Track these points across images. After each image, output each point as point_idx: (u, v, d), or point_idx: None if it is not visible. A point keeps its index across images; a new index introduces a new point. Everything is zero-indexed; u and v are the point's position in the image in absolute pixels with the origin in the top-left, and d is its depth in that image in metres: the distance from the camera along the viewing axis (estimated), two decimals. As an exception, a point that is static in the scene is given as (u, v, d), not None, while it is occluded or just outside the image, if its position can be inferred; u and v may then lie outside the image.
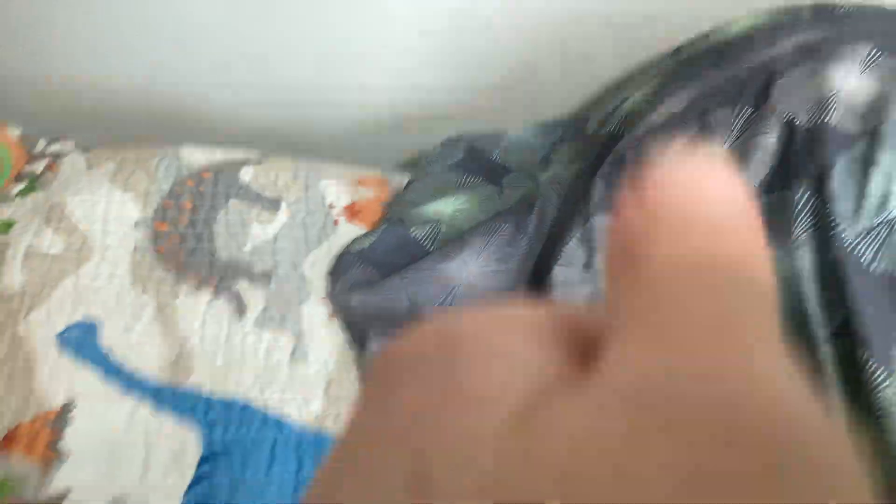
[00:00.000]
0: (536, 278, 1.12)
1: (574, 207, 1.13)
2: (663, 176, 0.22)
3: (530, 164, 1.35)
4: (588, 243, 1.08)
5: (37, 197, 1.26)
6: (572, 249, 1.08)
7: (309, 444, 0.99)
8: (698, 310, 0.17)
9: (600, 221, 1.08)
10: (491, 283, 1.14)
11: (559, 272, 1.07)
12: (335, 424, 1.02)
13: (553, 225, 1.16)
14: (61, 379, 1.00)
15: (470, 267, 1.15)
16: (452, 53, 1.45)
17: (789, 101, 0.99)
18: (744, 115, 1.02)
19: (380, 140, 1.60)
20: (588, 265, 1.07)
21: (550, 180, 1.25)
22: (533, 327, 0.19)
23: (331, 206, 1.33)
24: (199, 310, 1.13)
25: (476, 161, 1.37)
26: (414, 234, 1.24)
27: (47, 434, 0.94)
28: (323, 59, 1.45)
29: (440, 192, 1.31)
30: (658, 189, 0.21)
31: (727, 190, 0.20)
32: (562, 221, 1.14)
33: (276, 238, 1.26)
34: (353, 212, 1.34)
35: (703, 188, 0.21)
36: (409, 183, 1.36)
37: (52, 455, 0.92)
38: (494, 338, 0.19)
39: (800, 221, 0.91)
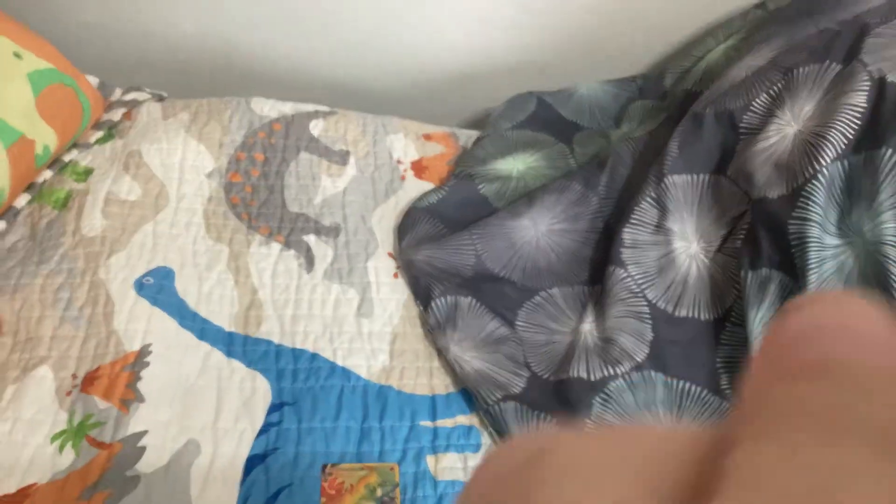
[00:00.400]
0: (606, 238, 1.10)
1: (647, 167, 1.10)
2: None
3: (602, 122, 1.32)
4: (661, 203, 1.05)
5: (115, 145, 1.29)
6: (644, 210, 1.06)
7: (374, 396, 1.00)
8: None
9: (674, 181, 1.05)
10: (560, 242, 1.13)
11: (629, 233, 1.05)
12: (400, 379, 1.03)
13: (625, 184, 1.14)
14: (139, 324, 1.04)
15: (539, 226, 1.14)
16: (521, 9, 1.41)
17: (881, 58, 0.94)
18: (832, 71, 0.97)
19: (447, 97, 1.59)
20: (659, 226, 1.05)
21: (623, 139, 1.22)
22: (646, 467, 0.16)
23: (398, 162, 1.33)
24: (269, 261, 1.15)
25: (546, 118, 1.35)
26: (482, 190, 1.23)
27: (126, 377, 0.98)
28: (392, 13, 1.44)
29: (509, 150, 1.29)
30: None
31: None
32: (634, 181, 1.12)
33: (344, 192, 1.27)
34: (420, 167, 1.34)
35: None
36: (478, 139, 1.34)
37: (130, 396, 0.95)
38: (591, 477, 0.16)
39: (886, 183, 0.87)
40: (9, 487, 0.87)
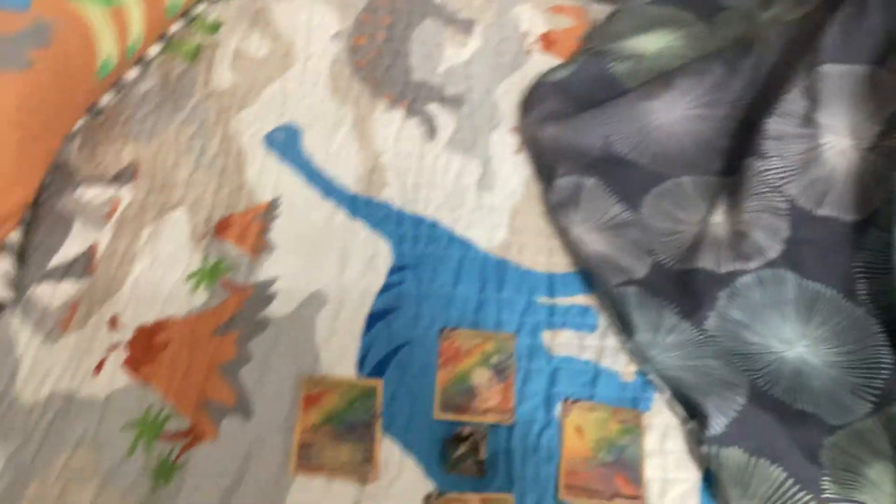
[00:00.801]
0: (745, 128, 1.05)
1: (799, 54, 1.02)
2: None
3: (748, 3, 1.23)
4: (811, 94, 0.98)
5: (243, 0, 1.29)
6: (792, 100, 0.99)
7: (493, 268, 1.01)
8: None
9: (828, 70, 0.98)
10: (694, 129, 1.08)
11: (774, 124, 1.00)
12: (519, 254, 1.03)
13: (772, 72, 1.06)
14: (268, 177, 1.06)
15: (674, 109, 1.09)
16: None
17: None
18: None
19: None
20: (808, 118, 0.99)
21: (772, 22, 1.13)
22: None
23: (525, 34, 1.29)
24: (393, 127, 1.15)
25: (688, -6, 1.26)
26: (613, 68, 1.18)
27: (257, 225, 1.01)
28: None
29: (645, 27, 1.22)
30: None
31: None
32: (783, 68, 1.04)
33: (469, 62, 1.24)
34: (548, 41, 1.29)
35: None
36: (611, 14, 1.28)
37: (261, 244, 0.99)
38: None
39: None
40: (148, 318, 0.93)
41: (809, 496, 0.79)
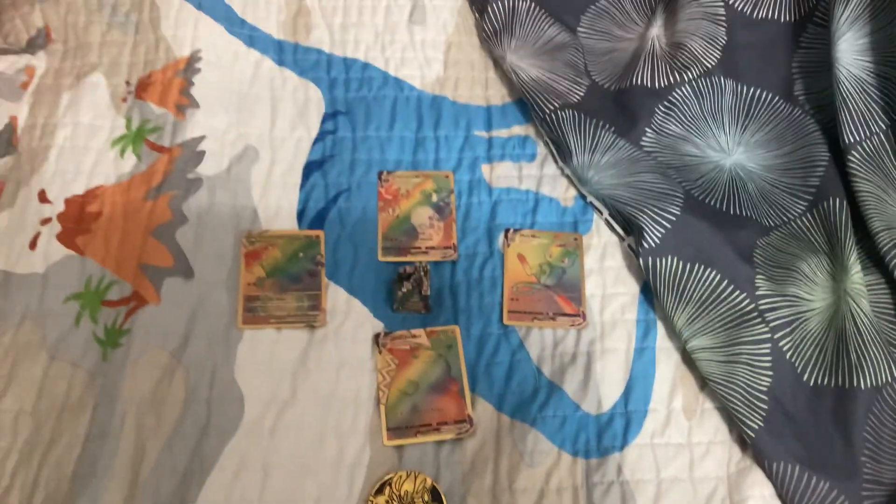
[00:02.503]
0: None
1: None
2: None
3: None
4: None
5: None
6: None
7: (429, 105, 0.98)
8: None
9: None
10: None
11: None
12: (455, 90, 0.99)
13: None
14: (186, 29, 1.00)
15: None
16: None
17: None
18: None
19: None
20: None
21: None
22: None
23: None
24: (314, -35, 1.08)
25: None
26: None
27: (178, 83, 0.96)
28: None
29: None
30: None
31: None
32: None
33: None
34: None
35: None
36: None
37: (184, 102, 0.95)
38: None
39: None
40: (77, 189, 0.91)
41: (743, 294, 0.80)
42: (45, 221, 0.89)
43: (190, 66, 0.98)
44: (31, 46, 1.01)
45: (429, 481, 0.75)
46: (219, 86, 0.97)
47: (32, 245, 0.87)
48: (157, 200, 0.89)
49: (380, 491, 0.74)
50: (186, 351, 0.81)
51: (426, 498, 0.74)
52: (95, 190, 0.91)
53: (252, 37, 1.01)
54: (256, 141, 0.94)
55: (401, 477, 0.75)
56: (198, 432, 0.77)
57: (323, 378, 0.81)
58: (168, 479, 0.75)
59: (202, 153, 0.92)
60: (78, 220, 0.89)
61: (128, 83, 0.97)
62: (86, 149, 0.93)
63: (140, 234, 0.88)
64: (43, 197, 0.90)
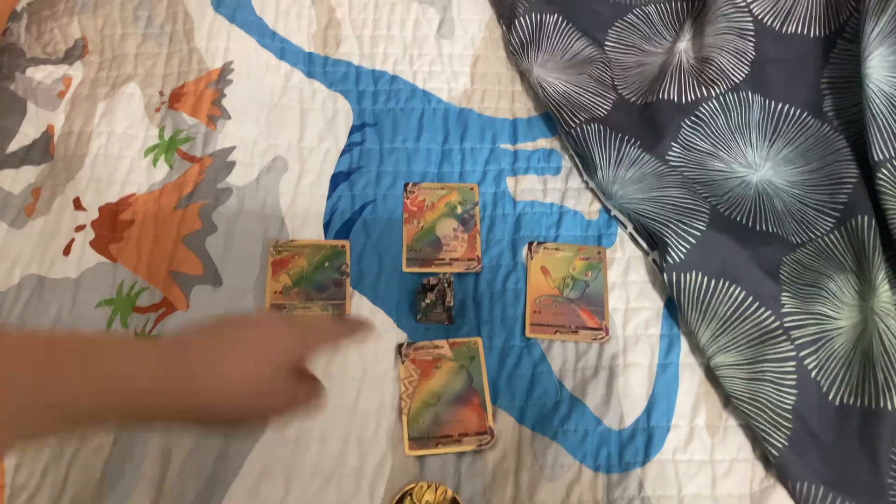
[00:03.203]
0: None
1: None
2: None
3: None
4: None
5: None
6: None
7: (455, 118, 0.99)
8: None
9: None
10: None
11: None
12: (481, 103, 1.00)
13: None
14: (219, 41, 1.02)
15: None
16: None
17: None
18: None
19: None
20: (776, -69, 0.93)
21: None
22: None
23: None
24: (345, -21, 1.09)
25: None
26: None
27: (210, 94, 0.98)
28: None
29: None
30: None
31: None
32: None
33: None
34: None
35: None
36: None
37: (216, 113, 0.97)
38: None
39: None
40: (111, 197, 0.93)
41: (768, 312, 0.80)
42: (80, 228, 0.91)
43: (222, 77, 0.99)
44: (69, 57, 1.04)
45: (450, 493, 0.75)
46: (250, 97, 0.99)
47: (66, 251, 0.89)
48: (187, 209, 0.91)
49: (400, 501, 0.75)
50: (213, 357, 0.83)
51: (446, 509, 0.75)
52: (128, 198, 0.93)
53: (283, 49, 1.03)
54: (285, 152, 0.96)
55: (422, 487, 0.76)
56: (222, 439, 0.78)
57: (346, 387, 0.82)
58: (192, 483, 0.76)
59: (232, 163, 0.94)
60: (111, 228, 0.91)
61: (161, 94, 0.99)
62: (119, 157, 0.95)
63: (171, 242, 0.89)
64: (78, 204, 0.92)
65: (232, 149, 0.95)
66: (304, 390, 0.51)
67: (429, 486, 0.76)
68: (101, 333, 0.47)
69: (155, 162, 0.95)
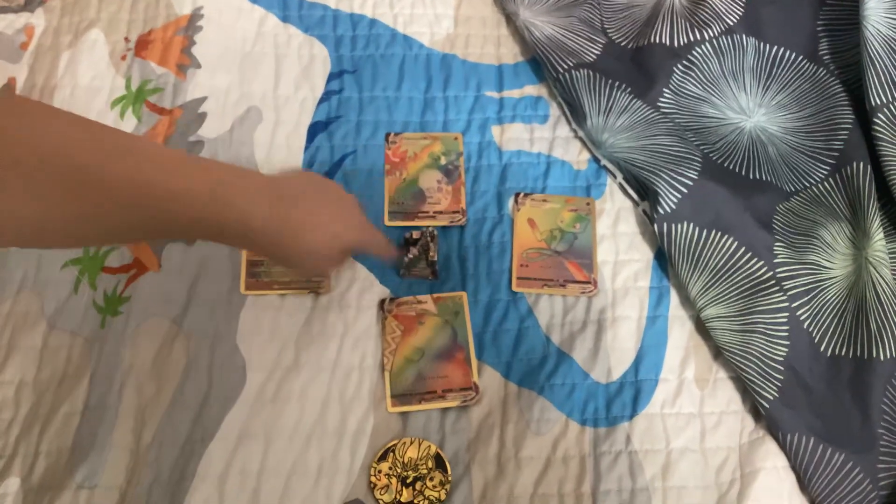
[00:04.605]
0: None
1: None
2: None
3: None
4: None
5: None
6: None
7: (438, 65, 0.95)
8: None
9: None
10: None
11: None
12: (465, 48, 0.96)
13: None
14: (187, -15, 0.97)
15: None
16: None
17: None
18: None
19: None
20: None
21: None
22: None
23: None
24: (320, -82, 1.04)
25: None
26: None
27: (179, 41, 0.94)
28: None
29: None
30: None
31: None
32: None
33: None
34: None
35: None
36: None
37: (186, 62, 0.92)
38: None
39: None
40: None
41: (761, 262, 0.78)
42: (46, 184, 0.87)
43: (191, 23, 0.95)
44: (30, 3, 0.98)
45: (433, 448, 0.74)
46: (221, 44, 0.94)
47: (33, 208, 0.85)
48: (158, 162, 0.87)
49: (383, 458, 0.73)
50: (187, 318, 0.80)
51: (430, 465, 0.73)
52: (96, 151, 0.88)
53: (256, -8, 0.98)
54: (260, 101, 0.92)
55: (404, 444, 0.74)
56: (199, 401, 0.76)
57: (327, 345, 0.79)
58: (169, 448, 0.74)
59: (204, 115, 0.90)
60: (79, 183, 0.87)
61: (127, 40, 0.94)
62: (86, 110, 0.90)
63: (141, 197, 0.86)
64: (43, 158, 0.88)
65: (203, 99, 0.91)
66: (341, 265, 0.69)
67: (411, 443, 0.74)
68: (227, 167, 0.55)
69: (122, 115, 0.90)
